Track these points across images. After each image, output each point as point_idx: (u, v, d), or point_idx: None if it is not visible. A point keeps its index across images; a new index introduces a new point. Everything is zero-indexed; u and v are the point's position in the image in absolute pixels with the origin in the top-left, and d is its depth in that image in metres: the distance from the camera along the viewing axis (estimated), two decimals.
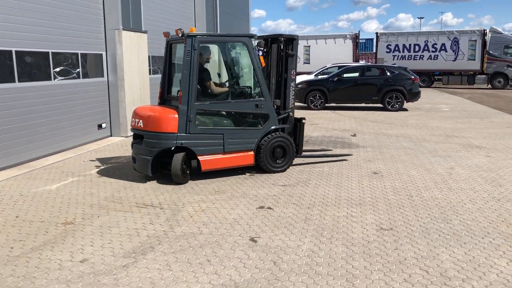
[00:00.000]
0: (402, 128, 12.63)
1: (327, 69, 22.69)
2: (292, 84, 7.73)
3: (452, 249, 4.46)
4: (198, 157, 6.87)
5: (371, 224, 5.15)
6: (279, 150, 7.53)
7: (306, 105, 17.51)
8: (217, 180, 7.06)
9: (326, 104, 17.45)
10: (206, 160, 6.93)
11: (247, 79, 7.87)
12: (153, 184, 6.88)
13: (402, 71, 17.09)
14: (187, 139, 6.74)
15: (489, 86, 29.63)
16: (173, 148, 6.78)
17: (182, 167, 6.72)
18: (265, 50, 7.86)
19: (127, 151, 9.42)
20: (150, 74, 12.84)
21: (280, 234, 4.85)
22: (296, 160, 8.12)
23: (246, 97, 7.55)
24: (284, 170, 7.60)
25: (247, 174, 7.44)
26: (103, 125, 10.67)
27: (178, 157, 6.71)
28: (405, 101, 16.81)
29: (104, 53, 10.63)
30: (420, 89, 17.44)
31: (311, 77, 21.76)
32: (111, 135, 11.03)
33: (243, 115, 7.35)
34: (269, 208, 5.72)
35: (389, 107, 16.78)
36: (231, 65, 7.90)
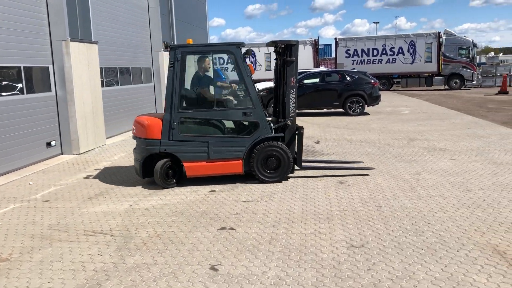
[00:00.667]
0: (365, 133, 12.48)
1: None
2: (292, 91, 7.38)
3: (428, 265, 4.16)
4: (183, 163, 7.10)
5: (340, 241, 4.79)
6: (273, 160, 7.25)
7: None
8: (175, 199, 6.57)
9: None
10: (191, 166, 7.11)
11: (236, 88, 7.73)
12: (111, 202, 6.31)
13: (362, 75, 17.08)
14: (170, 146, 7.05)
15: (446, 87, 30.34)
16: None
17: (162, 172, 7.07)
18: (275, 58, 7.83)
19: (79, 170, 8.77)
20: (103, 86, 12.21)
21: (244, 259, 4.42)
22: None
23: (233, 105, 7.44)
24: (279, 181, 7.32)
25: (208, 191, 6.99)
26: (53, 143, 9.96)
27: (160, 163, 7.08)
28: (366, 105, 16.78)
29: (50, 66, 9.93)
30: (380, 92, 17.49)
31: (272, 84, 21.50)
32: (61, 153, 10.31)
33: (230, 123, 7.31)
34: (231, 228, 5.29)
35: (351, 112, 16.70)
36: (218, 74, 7.96)
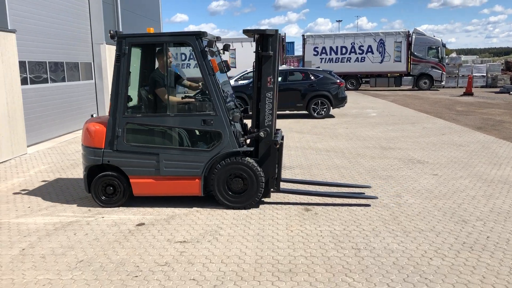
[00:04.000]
0: (331, 139, 11.12)
1: (248, 73, 20.99)
2: (269, 95, 5.77)
3: None
4: (130, 179, 5.88)
5: None
6: (240, 180, 5.76)
7: None
8: (88, 238, 4.91)
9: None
10: (138, 183, 5.88)
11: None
12: None
13: (327, 74, 15.77)
14: (114, 157, 5.87)
15: (415, 87, 29.62)
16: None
17: (97, 188, 5.94)
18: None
19: None
20: (27, 84, 10.32)
21: None
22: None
23: (190, 110, 6.07)
24: (247, 208, 5.81)
25: (136, 224, 5.37)
26: None
27: (98, 177, 5.94)
28: (331, 107, 15.50)
29: None
30: (346, 91, 16.28)
31: (231, 82, 19.96)
32: None
33: (186, 132, 5.98)
34: None
35: (315, 114, 15.37)
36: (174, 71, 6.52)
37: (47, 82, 11.39)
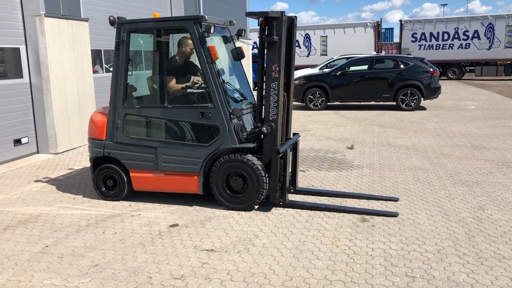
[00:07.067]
0: (415, 135, 9.94)
1: (333, 61, 19.99)
2: (274, 85, 5.14)
3: None
4: (130, 173, 5.66)
5: None
6: (239, 179, 5.24)
7: (304, 104, 14.92)
8: (114, 238, 4.59)
9: (328, 103, 14.82)
10: (138, 178, 5.66)
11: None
12: (24, 239, 4.46)
13: (418, 62, 14.31)
14: (114, 149, 5.69)
15: None
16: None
17: (98, 180, 5.82)
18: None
19: (38, 177, 7.02)
20: (103, 72, 10.48)
21: None
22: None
23: (189, 101, 5.73)
24: (248, 209, 5.27)
25: (170, 224, 4.97)
26: (23, 140, 8.30)
27: (99, 169, 5.81)
28: (422, 99, 14.05)
29: (22, 47, 8.24)
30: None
31: (314, 70, 19.11)
32: (37, 152, 8.67)
33: (184, 125, 5.54)
34: None
35: (403, 105, 14.05)
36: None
37: None
